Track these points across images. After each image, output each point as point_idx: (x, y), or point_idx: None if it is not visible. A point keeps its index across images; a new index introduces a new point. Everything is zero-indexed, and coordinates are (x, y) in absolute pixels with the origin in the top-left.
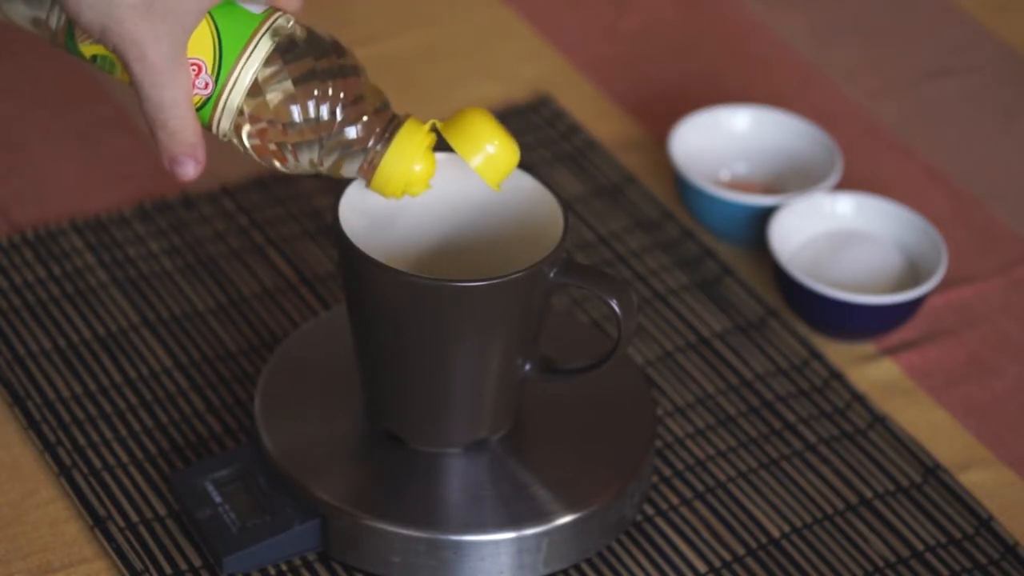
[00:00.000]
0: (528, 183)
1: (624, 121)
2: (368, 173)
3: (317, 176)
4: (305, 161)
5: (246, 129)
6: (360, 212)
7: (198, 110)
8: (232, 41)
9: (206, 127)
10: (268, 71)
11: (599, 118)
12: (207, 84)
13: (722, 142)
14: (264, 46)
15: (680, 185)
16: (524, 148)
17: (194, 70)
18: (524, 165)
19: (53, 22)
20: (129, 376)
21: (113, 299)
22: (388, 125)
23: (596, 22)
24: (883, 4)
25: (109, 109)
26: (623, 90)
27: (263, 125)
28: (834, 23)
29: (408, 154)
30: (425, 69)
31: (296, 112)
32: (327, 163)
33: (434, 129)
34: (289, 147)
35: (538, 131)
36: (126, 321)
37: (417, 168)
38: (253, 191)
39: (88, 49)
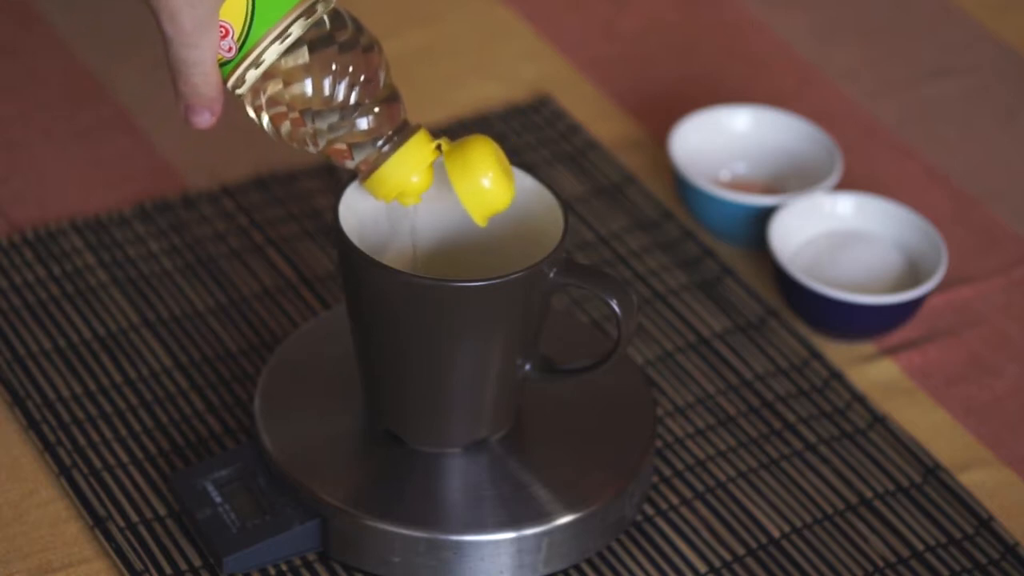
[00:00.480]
0: (528, 183)
1: (624, 121)
2: (366, 170)
3: (314, 152)
4: (304, 132)
5: (260, 96)
6: (361, 212)
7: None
8: (263, 18)
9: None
10: (294, 50)
11: (599, 118)
12: (230, 48)
13: (722, 142)
14: (295, 30)
15: (680, 185)
16: (524, 148)
17: (222, 31)
18: (524, 165)
19: None
20: (129, 376)
21: (113, 299)
22: (400, 129)
23: (596, 22)
24: (883, 4)
25: (109, 109)
26: (623, 90)
27: (274, 87)
28: (834, 23)
29: (411, 164)
30: (425, 69)
31: (308, 82)
32: (324, 142)
33: (439, 148)
34: (295, 114)
35: (538, 131)
36: (126, 321)
37: (415, 179)
38: (253, 191)
39: None
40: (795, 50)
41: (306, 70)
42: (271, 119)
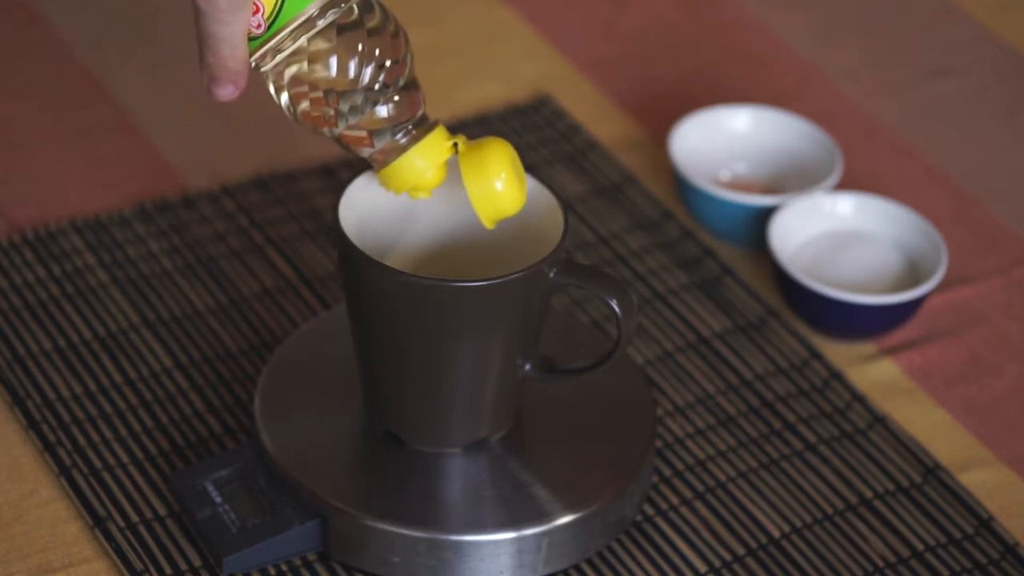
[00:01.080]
0: (528, 183)
1: (624, 121)
2: (381, 160)
3: (329, 136)
4: (324, 113)
5: (283, 74)
6: (360, 212)
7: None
8: (295, 1)
9: None
10: (322, 33)
11: (599, 118)
12: (259, 25)
13: (722, 142)
14: (322, 24)
15: (680, 185)
16: (524, 148)
17: (252, 7)
18: (524, 165)
19: None
20: (129, 376)
21: (113, 299)
22: (419, 123)
23: (596, 22)
24: (883, 4)
25: (109, 109)
26: (623, 90)
27: (299, 66)
28: (834, 23)
29: (428, 158)
30: (425, 69)
31: (334, 61)
32: (342, 125)
33: (455, 146)
34: (317, 94)
35: (538, 131)
36: (126, 321)
37: (429, 174)
38: (253, 191)
39: None
40: (795, 50)
41: (332, 50)
42: (291, 98)
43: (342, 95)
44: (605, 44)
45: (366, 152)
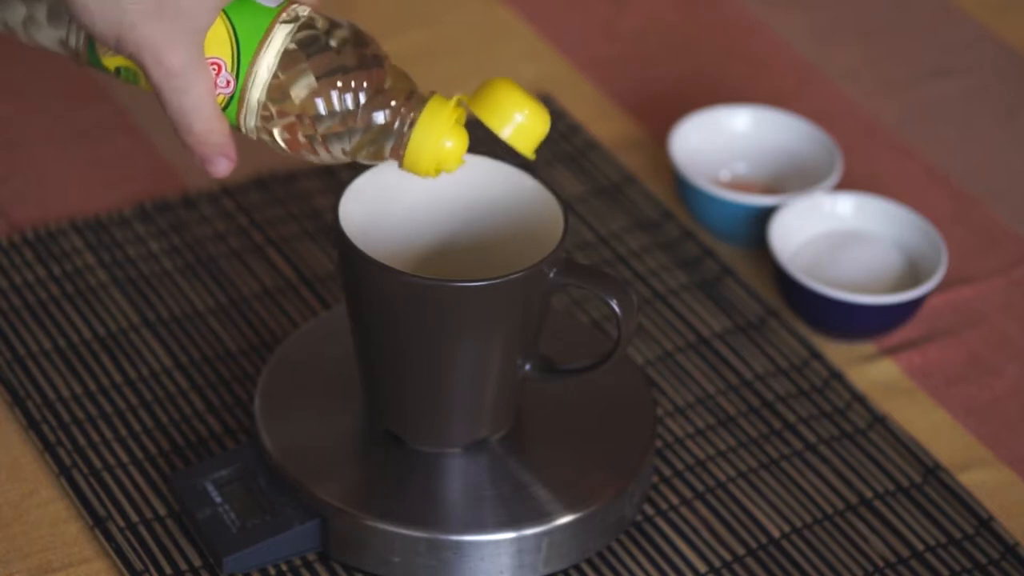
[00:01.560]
0: (528, 183)
1: (624, 121)
2: (399, 154)
3: (353, 165)
4: (337, 151)
5: (275, 125)
6: (361, 212)
7: (224, 109)
8: (248, 36)
9: (234, 126)
10: (292, 66)
11: (599, 118)
12: (228, 82)
13: (722, 142)
14: (279, 36)
15: (680, 185)
16: None
17: (214, 69)
18: (524, 165)
19: (73, 41)
20: (129, 376)
21: (113, 299)
22: (414, 105)
23: (596, 22)
24: (883, 4)
25: (109, 109)
26: (623, 90)
27: (291, 120)
28: (834, 23)
29: (436, 131)
30: (425, 69)
31: (322, 105)
32: (361, 151)
33: (461, 103)
34: (319, 139)
35: None
36: (126, 321)
37: (448, 144)
38: (253, 191)
39: (111, 61)
40: (795, 50)
41: (316, 94)
42: (306, 151)
43: (338, 135)
44: (605, 44)
45: (384, 158)
